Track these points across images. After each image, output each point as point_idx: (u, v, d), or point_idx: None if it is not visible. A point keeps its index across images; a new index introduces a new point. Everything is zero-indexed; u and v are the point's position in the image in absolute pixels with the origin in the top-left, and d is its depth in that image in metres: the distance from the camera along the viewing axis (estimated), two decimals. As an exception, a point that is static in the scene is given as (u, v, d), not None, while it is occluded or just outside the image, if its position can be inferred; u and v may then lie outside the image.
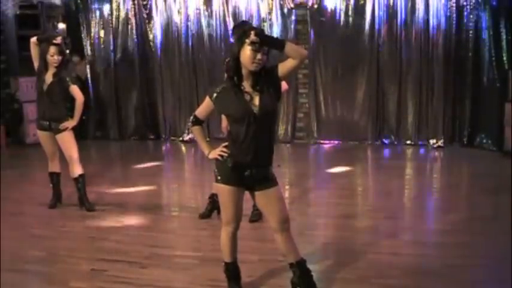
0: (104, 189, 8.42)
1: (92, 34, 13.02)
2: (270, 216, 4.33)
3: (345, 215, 7.00)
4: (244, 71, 4.06)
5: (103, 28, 12.98)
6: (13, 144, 12.40)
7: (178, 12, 12.51)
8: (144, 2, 12.69)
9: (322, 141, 12.07)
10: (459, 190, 8.59)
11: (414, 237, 6.24)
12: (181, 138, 12.77)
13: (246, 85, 4.09)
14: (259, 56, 3.96)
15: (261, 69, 4.04)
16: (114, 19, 12.88)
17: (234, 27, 6.50)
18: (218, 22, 12.20)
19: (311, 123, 12.11)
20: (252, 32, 3.96)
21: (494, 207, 7.12)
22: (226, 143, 4.25)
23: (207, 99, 4.26)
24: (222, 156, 4.20)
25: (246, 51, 3.96)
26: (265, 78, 4.08)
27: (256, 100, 4.07)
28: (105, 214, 7.17)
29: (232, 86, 4.11)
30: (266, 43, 4.00)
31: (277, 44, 4.05)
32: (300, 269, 4.40)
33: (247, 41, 3.95)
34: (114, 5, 12.82)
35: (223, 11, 12.19)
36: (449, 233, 6.21)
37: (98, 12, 12.94)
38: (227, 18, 12.14)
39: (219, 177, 4.26)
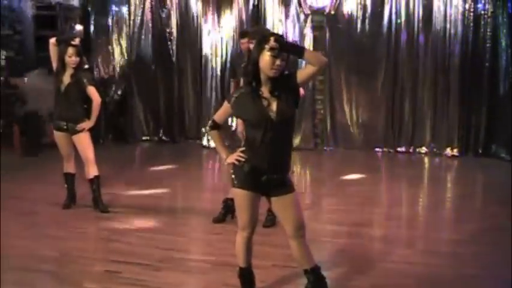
0: (118, 191, 8.44)
1: (109, 36, 13.08)
2: (285, 222, 4.32)
3: (358, 223, 6.98)
4: (262, 77, 4.06)
5: (120, 29, 13.03)
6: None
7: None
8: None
9: (336, 148, 12.06)
10: (474, 200, 8.55)
11: (428, 246, 6.21)
12: (197, 141, 12.79)
13: (264, 90, 4.09)
14: (278, 62, 3.96)
15: (279, 75, 4.04)
16: (131, 20, 12.93)
17: (251, 32, 6.50)
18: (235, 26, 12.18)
19: (326, 129, 12.10)
20: (272, 38, 3.97)
21: (509, 218, 7.06)
22: (243, 148, 4.24)
23: (225, 103, 4.28)
24: (239, 161, 4.20)
25: (265, 57, 3.97)
26: (284, 84, 4.08)
27: (274, 106, 4.07)
28: (119, 216, 7.19)
29: (250, 91, 4.11)
30: (285, 49, 4.01)
31: (296, 51, 4.06)
32: (315, 275, 4.38)
33: (267, 46, 3.96)
34: (132, 7, 12.88)
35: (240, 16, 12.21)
36: (464, 243, 6.19)
37: (115, 14, 13.02)
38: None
39: (235, 182, 4.26)
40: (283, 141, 4.19)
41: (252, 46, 5.36)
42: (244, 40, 7.34)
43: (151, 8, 12.85)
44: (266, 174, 4.16)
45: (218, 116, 4.39)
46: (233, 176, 4.28)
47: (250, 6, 12.10)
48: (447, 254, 5.92)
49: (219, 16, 12.40)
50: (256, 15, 12.07)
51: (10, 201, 7.66)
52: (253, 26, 11.03)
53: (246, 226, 4.36)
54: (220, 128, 4.42)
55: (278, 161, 4.19)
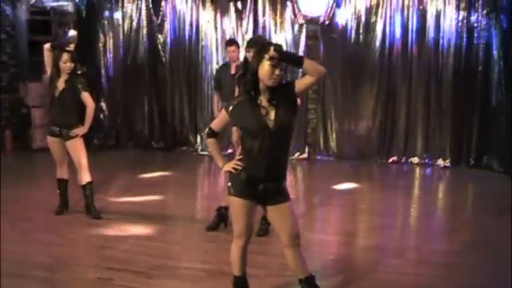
0: (111, 197, 8.41)
1: (102, 42, 13.07)
2: (281, 231, 4.33)
3: (351, 232, 7.00)
4: (261, 86, 4.08)
5: (114, 36, 13.02)
6: (19, 149, 12.35)
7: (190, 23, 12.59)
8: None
9: (329, 157, 12.06)
10: (465, 211, 8.56)
11: (420, 256, 6.22)
12: (190, 149, 12.79)
13: (263, 99, 4.11)
14: (277, 72, 3.99)
15: (278, 84, 4.06)
16: (125, 27, 12.93)
17: (249, 41, 6.52)
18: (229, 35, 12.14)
19: (319, 138, 12.11)
20: (271, 48, 3.99)
21: (500, 229, 7.09)
22: (240, 156, 4.25)
23: (223, 111, 4.30)
24: (235, 169, 4.21)
25: (265, 66, 3.99)
26: (282, 93, 4.10)
27: (272, 115, 4.09)
28: (112, 223, 7.16)
29: (248, 100, 4.13)
30: (285, 59, 4.03)
31: (295, 60, 4.09)
32: (309, 285, 4.39)
33: (266, 56, 3.98)
34: (127, 14, 12.89)
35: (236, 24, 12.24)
36: (456, 254, 6.21)
37: (108, 20, 13.01)
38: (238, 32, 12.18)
39: (232, 190, 4.27)
40: (281, 150, 4.21)
41: (249, 55, 5.39)
42: (231, 48, 7.36)
43: (145, 14, 12.84)
44: (263, 183, 4.17)
45: (215, 124, 4.40)
46: (229, 184, 4.29)
47: (245, 16, 12.10)
48: (439, 264, 5.93)
49: (214, 24, 12.43)
50: (252, 25, 12.09)
51: (3, 206, 7.61)
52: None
53: (242, 234, 4.36)
54: (217, 136, 4.43)
55: (275, 169, 4.20)
